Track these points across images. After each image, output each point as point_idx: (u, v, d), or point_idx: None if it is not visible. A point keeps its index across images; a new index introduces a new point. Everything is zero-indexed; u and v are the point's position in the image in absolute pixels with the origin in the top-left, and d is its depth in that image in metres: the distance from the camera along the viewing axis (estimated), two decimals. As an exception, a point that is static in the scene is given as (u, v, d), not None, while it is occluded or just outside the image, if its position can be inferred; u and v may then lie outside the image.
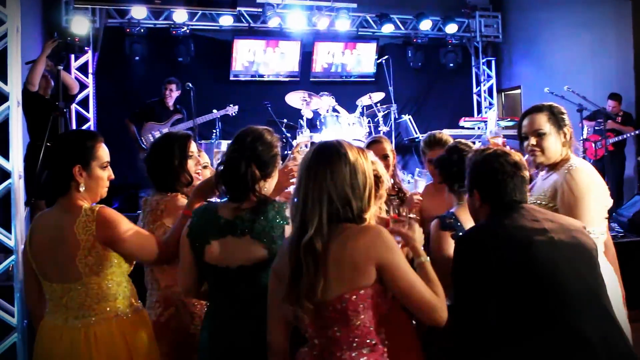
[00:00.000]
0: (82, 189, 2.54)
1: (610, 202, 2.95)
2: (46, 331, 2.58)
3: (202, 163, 3.21)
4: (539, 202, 2.88)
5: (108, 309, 2.52)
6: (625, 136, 8.15)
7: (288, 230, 2.30)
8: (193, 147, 3.10)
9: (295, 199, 2.08)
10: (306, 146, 2.92)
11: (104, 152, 2.63)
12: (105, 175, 2.63)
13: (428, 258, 2.21)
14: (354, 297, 1.98)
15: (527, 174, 2.44)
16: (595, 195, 2.82)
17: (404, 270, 2.00)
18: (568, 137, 2.95)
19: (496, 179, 2.39)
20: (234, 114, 8.09)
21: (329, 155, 2.07)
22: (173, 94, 7.81)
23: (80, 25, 7.59)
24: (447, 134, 3.88)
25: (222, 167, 2.47)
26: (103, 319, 2.50)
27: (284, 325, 2.17)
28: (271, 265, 2.23)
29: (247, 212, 2.41)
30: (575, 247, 2.29)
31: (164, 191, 3.00)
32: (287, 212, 2.29)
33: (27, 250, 2.60)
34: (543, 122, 2.94)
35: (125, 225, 2.54)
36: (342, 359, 2.01)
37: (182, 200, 2.91)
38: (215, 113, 8.02)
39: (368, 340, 2.03)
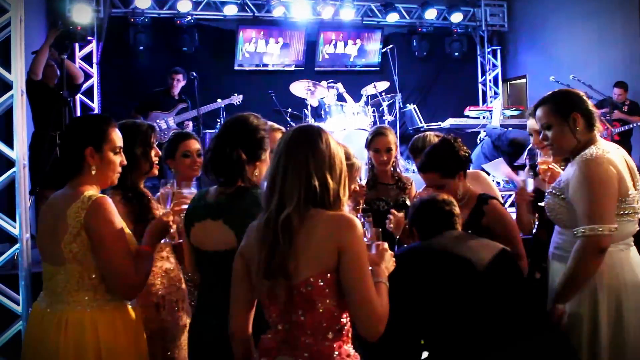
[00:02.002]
0: (93, 172, 2.50)
1: (634, 193, 2.63)
2: (32, 314, 2.58)
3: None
4: (553, 191, 2.72)
5: (86, 298, 2.44)
6: (631, 126, 8.11)
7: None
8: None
9: (273, 175, 2.06)
10: None
11: (117, 136, 2.59)
12: (118, 160, 2.59)
13: (387, 284, 2.16)
14: (320, 281, 1.97)
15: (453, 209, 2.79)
16: (606, 189, 2.53)
17: (361, 262, 1.99)
18: (581, 123, 2.67)
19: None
20: (238, 103, 8.10)
21: (311, 136, 2.08)
22: (179, 84, 7.83)
23: (82, 13, 7.58)
24: (433, 133, 3.94)
25: (209, 154, 2.45)
26: (78, 308, 2.43)
27: (247, 310, 2.16)
28: None
29: (227, 197, 2.40)
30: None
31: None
32: None
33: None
34: (545, 114, 2.76)
35: (113, 227, 2.42)
36: (306, 343, 2.00)
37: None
38: (220, 102, 8.03)
39: (333, 325, 2.02)
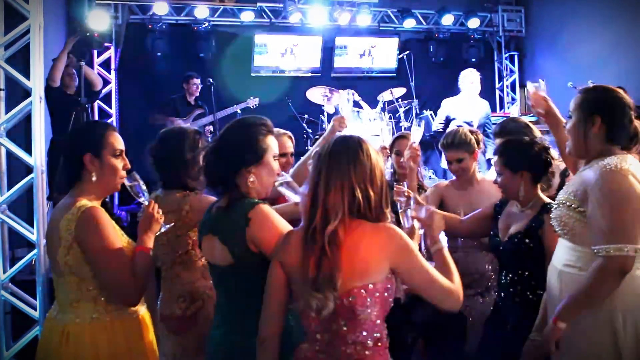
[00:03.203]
0: (93, 178, 2.48)
1: None
2: (45, 321, 2.61)
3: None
4: (567, 203, 2.48)
5: (87, 310, 2.44)
6: None
7: (248, 232, 2.25)
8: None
9: (315, 187, 2.06)
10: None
11: (116, 139, 2.56)
12: (120, 164, 2.56)
13: (445, 245, 2.26)
14: (363, 291, 1.99)
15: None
16: (631, 204, 2.31)
17: (419, 268, 2.04)
18: (598, 129, 2.45)
19: None
20: (255, 107, 8.13)
21: (353, 148, 2.09)
22: (198, 89, 7.87)
23: (99, 20, 7.64)
24: (467, 128, 3.85)
25: (202, 164, 2.41)
26: (79, 321, 2.42)
27: (280, 318, 2.16)
28: (237, 267, 2.25)
29: (221, 212, 2.36)
30: None
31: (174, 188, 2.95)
32: (250, 213, 2.25)
33: None
34: (574, 102, 2.55)
35: (103, 238, 2.40)
36: (347, 353, 2.02)
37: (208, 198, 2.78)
38: (236, 107, 8.07)
39: (373, 334, 2.04)
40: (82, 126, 2.72)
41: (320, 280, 1.97)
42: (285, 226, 2.31)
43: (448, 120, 7.66)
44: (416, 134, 3.50)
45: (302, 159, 3.45)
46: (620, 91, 2.53)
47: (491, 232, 3.09)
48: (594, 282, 2.32)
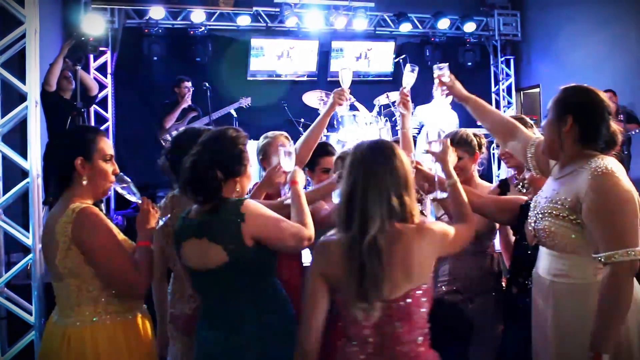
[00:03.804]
0: (84, 182, 2.50)
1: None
2: (46, 326, 2.62)
3: None
4: (555, 212, 2.39)
5: (87, 313, 2.45)
6: (632, 133, 7.95)
7: (245, 228, 2.30)
8: None
9: (350, 194, 2.09)
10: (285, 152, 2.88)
11: (106, 144, 2.59)
12: (110, 169, 2.59)
13: (458, 179, 2.49)
14: (419, 292, 2.06)
15: None
16: (630, 206, 2.25)
17: (457, 242, 2.33)
18: (570, 129, 2.38)
19: None
20: (247, 106, 8.13)
21: (387, 154, 2.13)
22: (189, 92, 7.83)
23: (94, 24, 7.63)
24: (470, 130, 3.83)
25: (186, 174, 2.41)
26: (79, 324, 2.44)
27: (321, 327, 2.17)
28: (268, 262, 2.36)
29: (206, 214, 2.39)
30: None
31: None
32: (242, 209, 2.31)
33: None
34: (549, 103, 2.50)
35: (102, 237, 2.43)
36: (403, 352, 2.06)
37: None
38: (228, 107, 8.09)
39: (423, 331, 2.11)
40: (72, 130, 2.73)
41: (366, 291, 2.00)
42: (272, 212, 2.40)
43: (422, 127, 7.76)
44: (408, 79, 3.51)
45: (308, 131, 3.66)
46: (600, 93, 2.46)
47: (518, 236, 2.99)
48: (612, 293, 2.24)
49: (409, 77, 3.51)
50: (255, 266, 2.37)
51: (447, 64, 3.10)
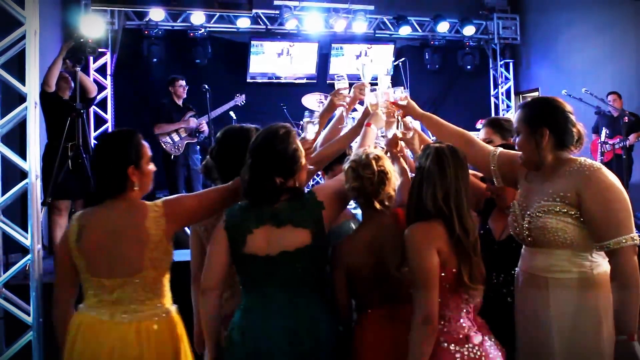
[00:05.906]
0: (136, 187, 2.60)
1: None
2: (88, 327, 2.52)
3: None
4: (556, 209, 2.49)
5: (159, 304, 2.57)
6: (628, 142, 7.94)
7: (324, 214, 2.55)
8: None
9: (447, 195, 2.42)
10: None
11: (147, 147, 2.70)
12: (152, 169, 2.72)
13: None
14: None
15: None
16: (624, 195, 2.44)
17: None
18: (547, 140, 2.55)
19: None
20: (242, 104, 8.14)
21: (462, 160, 2.51)
22: (184, 91, 7.78)
23: (93, 26, 7.62)
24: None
25: (246, 183, 2.52)
26: (154, 315, 2.55)
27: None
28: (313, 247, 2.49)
29: (285, 204, 2.52)
30: None
31: None
32: (319, 198, 2.57)
33: (72, 247, 2.53)
34: (518, 119, 2.67)
35: (187, 198, 2.79)
36: (483, 323, 2.52)
37: None
38: (225, 106, 8.10)
39: None
40: (118, 138, 2.69)
41: (474, 277, 2.42)
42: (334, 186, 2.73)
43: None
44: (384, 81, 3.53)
45: (332, 122, 3.72)
46: (558, 98, 2.67)
47: (481, 231, 3.05)
48: (629, 274, 2.37)
49: (385, 79, 3.51)
50: (328, 247, 2.63)
51: (344, 76, 3.49)
